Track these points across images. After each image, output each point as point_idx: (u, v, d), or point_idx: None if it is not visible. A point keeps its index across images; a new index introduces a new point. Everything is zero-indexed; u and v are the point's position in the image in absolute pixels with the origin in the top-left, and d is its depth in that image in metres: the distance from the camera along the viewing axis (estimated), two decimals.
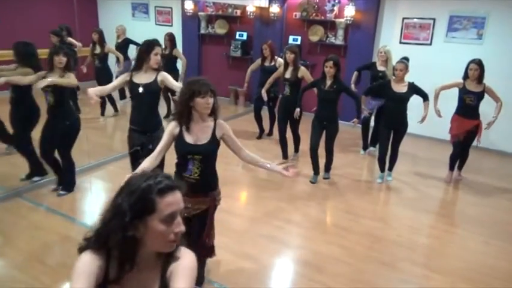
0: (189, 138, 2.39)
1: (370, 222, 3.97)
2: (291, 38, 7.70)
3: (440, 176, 5.08)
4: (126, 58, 7.23)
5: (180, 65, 6.79)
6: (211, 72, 8.56)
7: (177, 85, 3.37)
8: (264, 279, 3.07)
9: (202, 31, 8.65)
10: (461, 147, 4.81)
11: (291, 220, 3.95)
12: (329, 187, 4.70)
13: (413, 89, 4.51)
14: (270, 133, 6.47)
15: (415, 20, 6.69)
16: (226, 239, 3.49)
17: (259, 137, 6.40)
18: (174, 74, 6.42)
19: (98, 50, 6.66)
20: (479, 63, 4.48)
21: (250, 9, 7.74)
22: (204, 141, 2.40)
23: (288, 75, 5.06)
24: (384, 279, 3.11)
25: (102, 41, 6.68)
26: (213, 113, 2.41)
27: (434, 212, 4.34)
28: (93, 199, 4.21)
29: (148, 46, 3.32)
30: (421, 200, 4.51)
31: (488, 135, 6.01)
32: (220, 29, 8.49)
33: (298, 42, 7.59)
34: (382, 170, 4.89)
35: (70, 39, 6.42)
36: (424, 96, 4.56)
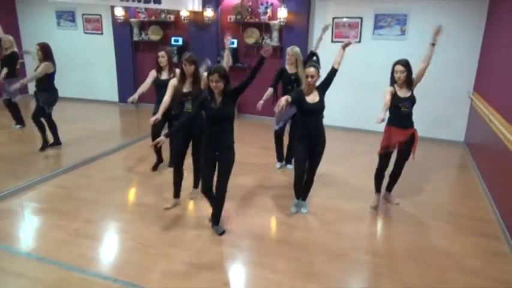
0: None
1: (313, 218, 4.09)
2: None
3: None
4: (13, 75, 6.18)
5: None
6: None
7: None
8: (219, 285, 3.01)
9: (136, 38, 8.40)
10: (395, 164, 4.23)
11: (237, 223, 3.93)
12: (271, 186, 4.76)
13: (323, 90, 3.78)
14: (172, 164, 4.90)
15: (344, 19, 7.02)
16: (175, 249, 3.40)
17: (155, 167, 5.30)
18: (51, 93, 5.52)
19: None
20: (405, 64, 3.81)
21: (184, 14, 7.65)
22: None
23: (187, 88, 4.06)
24: (333, 270, 3.20)
25: None
26: None
27: (370, 200, 4.53)
28: (27, 224, 3.89)
29: None
30: (358, 190, 4.70)
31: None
32: (154, 35, 8.29)
33: (235, 45, 7.63)
34: (298, 196, 4.18)
35: None
36: (330, 76, 3.78)
